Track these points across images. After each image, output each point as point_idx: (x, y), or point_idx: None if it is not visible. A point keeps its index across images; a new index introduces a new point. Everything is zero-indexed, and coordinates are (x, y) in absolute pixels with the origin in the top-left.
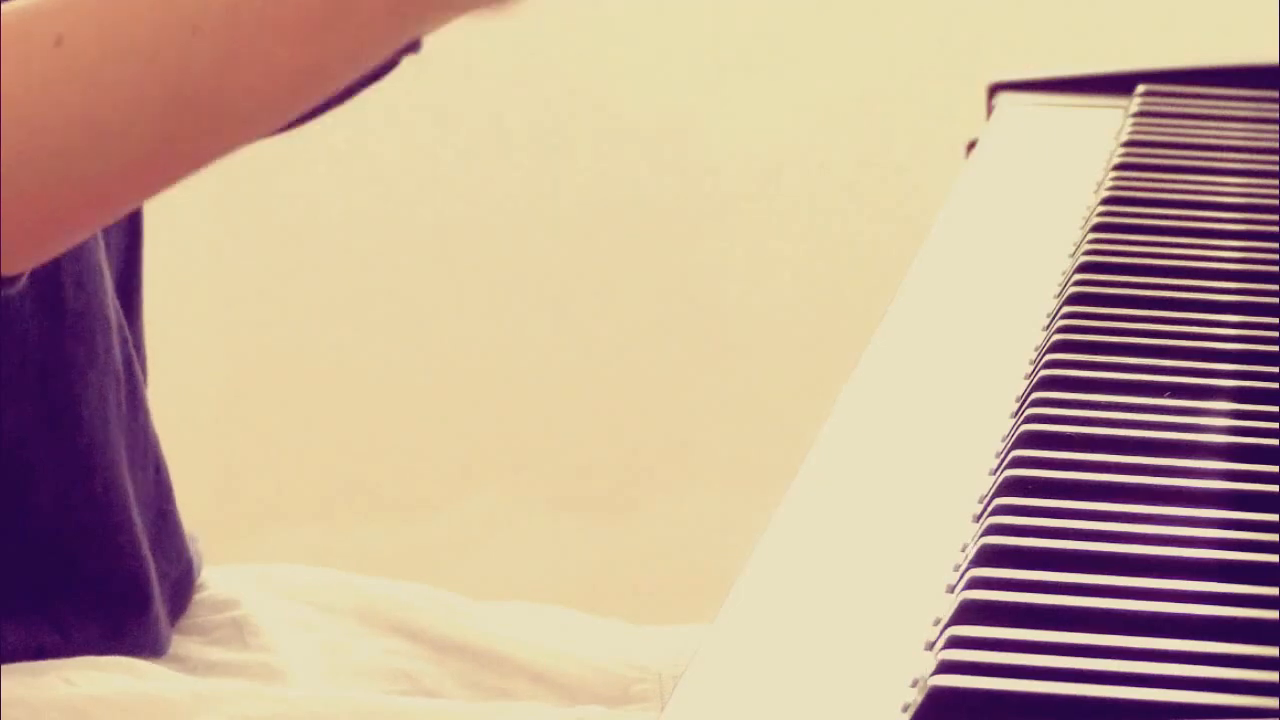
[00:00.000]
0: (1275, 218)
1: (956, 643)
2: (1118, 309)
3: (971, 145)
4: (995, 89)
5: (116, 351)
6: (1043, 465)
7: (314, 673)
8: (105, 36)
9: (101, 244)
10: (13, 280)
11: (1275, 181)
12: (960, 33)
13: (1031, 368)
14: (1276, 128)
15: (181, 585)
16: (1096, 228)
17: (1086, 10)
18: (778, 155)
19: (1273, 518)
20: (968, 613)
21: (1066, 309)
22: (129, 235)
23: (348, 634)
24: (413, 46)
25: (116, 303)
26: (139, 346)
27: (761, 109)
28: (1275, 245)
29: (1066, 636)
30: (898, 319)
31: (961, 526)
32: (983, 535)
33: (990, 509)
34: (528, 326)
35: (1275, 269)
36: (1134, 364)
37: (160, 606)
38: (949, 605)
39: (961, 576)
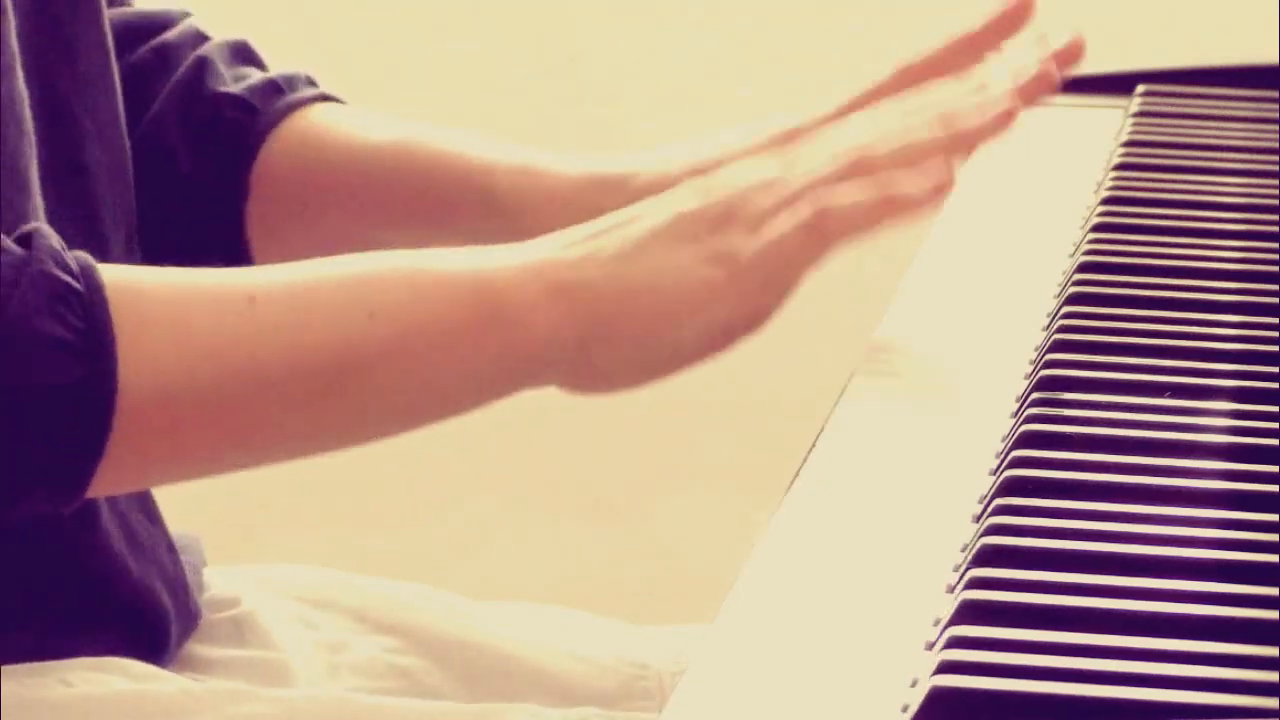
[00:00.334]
0: (1275, 218)
1: (956, 643)
2: (1118, 309)
3: None
4: None
5: None
6: (1043, 465)
7: (314, 671)
8: (294, 304)
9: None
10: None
11: (1275, 181)
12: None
13: (1031, 368)
14: (1276, 128)
15: (190, 617)
16: (1096, 228)
17: (1086, 10)
18: None
19: (1272, 518)
20: (968, 613)
21: (1066, 309)
22: (129, 237)
23: (348, 633)
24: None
25: None
26: None
27: (761, 109)
28: (1275, 245)
29: (1066, 636)
30: (898, 319)
31: (961, 526)
32: (983, 535)
33: (990, 509)
34: None
35: (1275, 269)
36: (1134, 364)
37: (174, 643)
38: (949, 605)
39: (961, 576)
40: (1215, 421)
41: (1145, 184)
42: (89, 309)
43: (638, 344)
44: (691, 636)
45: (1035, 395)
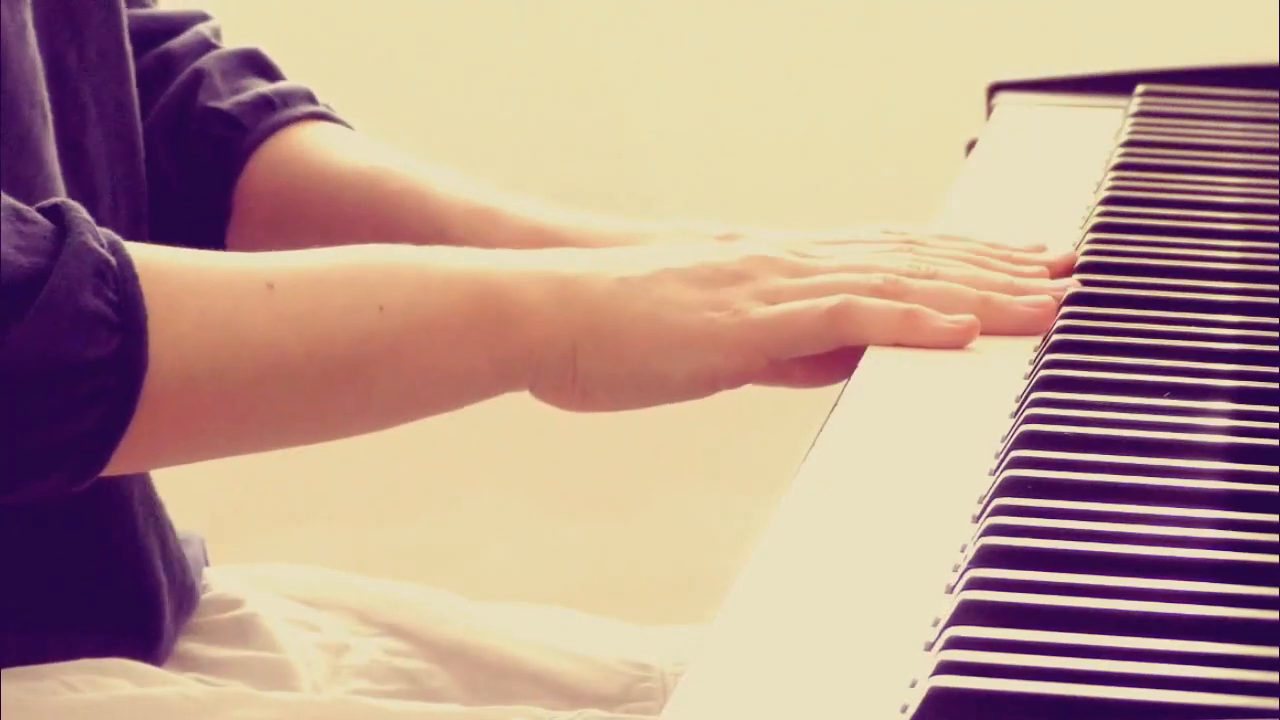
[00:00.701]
0: (1275, 218)
1: (956, 643)
2: (1117, 309)
3: (971, 145)
4: (995, 89)
5: None
6: (1042, 465)
7: (315, 672)
8: (309, 292)
9: None
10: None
11: (1275, 181)
12: (960, 33)
13: (1031, 368)
14: (1276, 128)
15: (187, 596)
16: (1096, 228)
17: (1086, 10)
18: (778, 154)
19: (1271, 518)
20: (967, 613)
21: (1066, 309)
22: (134, 222)
23: (349, 634)
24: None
25: None
26: None
27: (761, 109)
28: (1275, 245)
29: (1066, 637)
30: None
31: (961, 526)
32: (982, 535)
33: (990, 509)
34: None
35: (1275, 269)
36: (1133, 364)
37: (169, 621)
38: (949, 606)
39: (961, 577)
40: (1214, 422)
41: (1145, 184)
42: (122, 284)
43: (626, 365)
44: (691, 636)
45: (1035, 395)
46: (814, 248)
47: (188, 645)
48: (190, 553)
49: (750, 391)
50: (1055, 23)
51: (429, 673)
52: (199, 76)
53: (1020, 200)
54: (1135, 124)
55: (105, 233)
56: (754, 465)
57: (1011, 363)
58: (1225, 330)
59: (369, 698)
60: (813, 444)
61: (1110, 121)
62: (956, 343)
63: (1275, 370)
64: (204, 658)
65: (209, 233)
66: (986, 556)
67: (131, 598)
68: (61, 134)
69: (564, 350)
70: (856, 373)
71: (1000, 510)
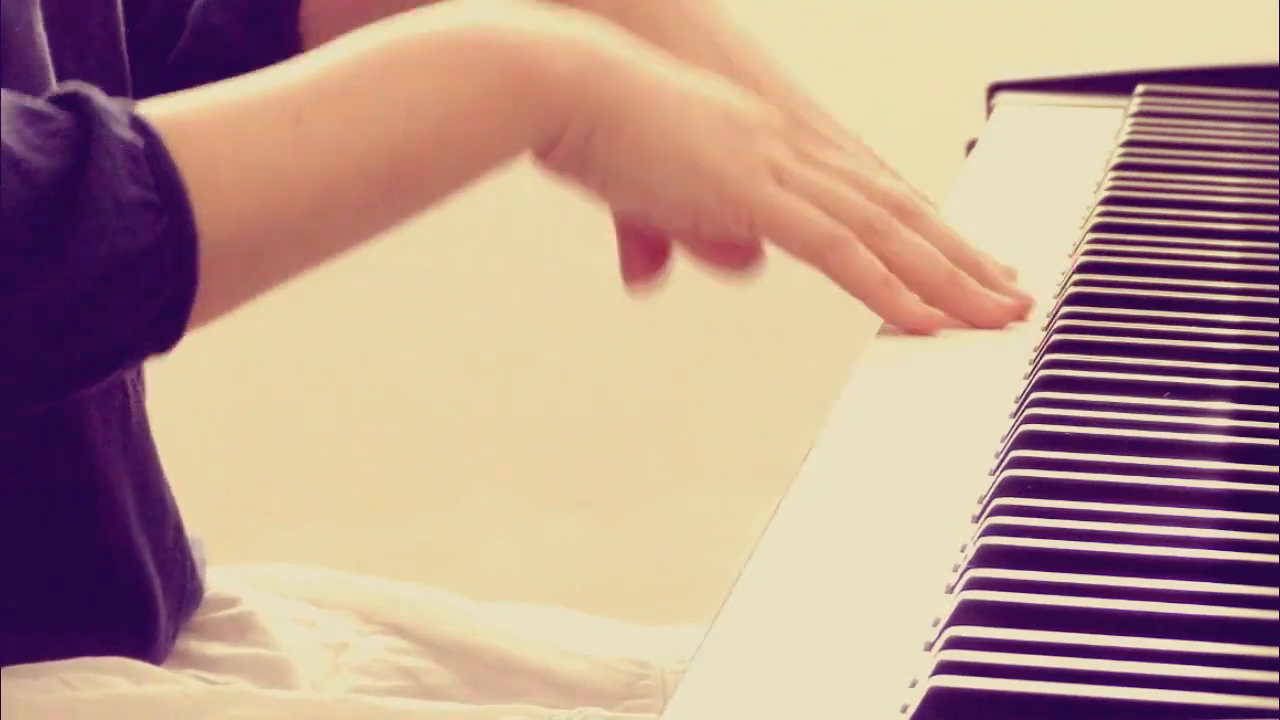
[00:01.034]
0: (1275, 218)
1: (956, 643)
2: (1117, 309)
3: (971, 145)
4: (995, 89)
5: None
6: (1042, 465)
7: (315, 671)
8: (339, 113)
9: None
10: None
11: (1275, 181)
12: (960, 33)
13: (1031, 368)
14: (1276, 128)
15: (185, 595)
16: (1096, 228)
17: (1086, 10)
18: None
19: (1272, 518)
20: (967, 613)
21: (1066, 309)
22: None
23: (349, 633)
24: None
25: None
26: None
27: None
28: (1275, 245)
29: (1066, 637)
30: None
31: (961, 526)
32: (982, 535)
33: (990, 509)
34: (528, 326)
35: (1275, 269)
36: (1133, 364)
37: (165, 619)
38: (949, 605)
39: (961, 577)
40: (1214, 422)
41: (1145, 184)
42: (156, 162)
43: (632, 160)
44: (692, 636)
45: (1035, 395)
46: (820, 144)
47: (186, 643)
48: (194, 553)
49: (750, 391)
50: (1055, 23)
51: (429, 670)
52: None
53: (1020, 200)
54: (1135, 124)
55: (125, 107)
56: (754, 465)
57: (1011, 363)
58: (1225, 330)
59: (369, 695)
60: (813, 444)
61: (1110, 121)
62: (919, 328)
63: (1275, 370)
64: (202, 656)
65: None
66: (986, 556)
67: (126, 598)
68: None
69: (583, 126)
70: (856, 373)
71: (1000, 510)
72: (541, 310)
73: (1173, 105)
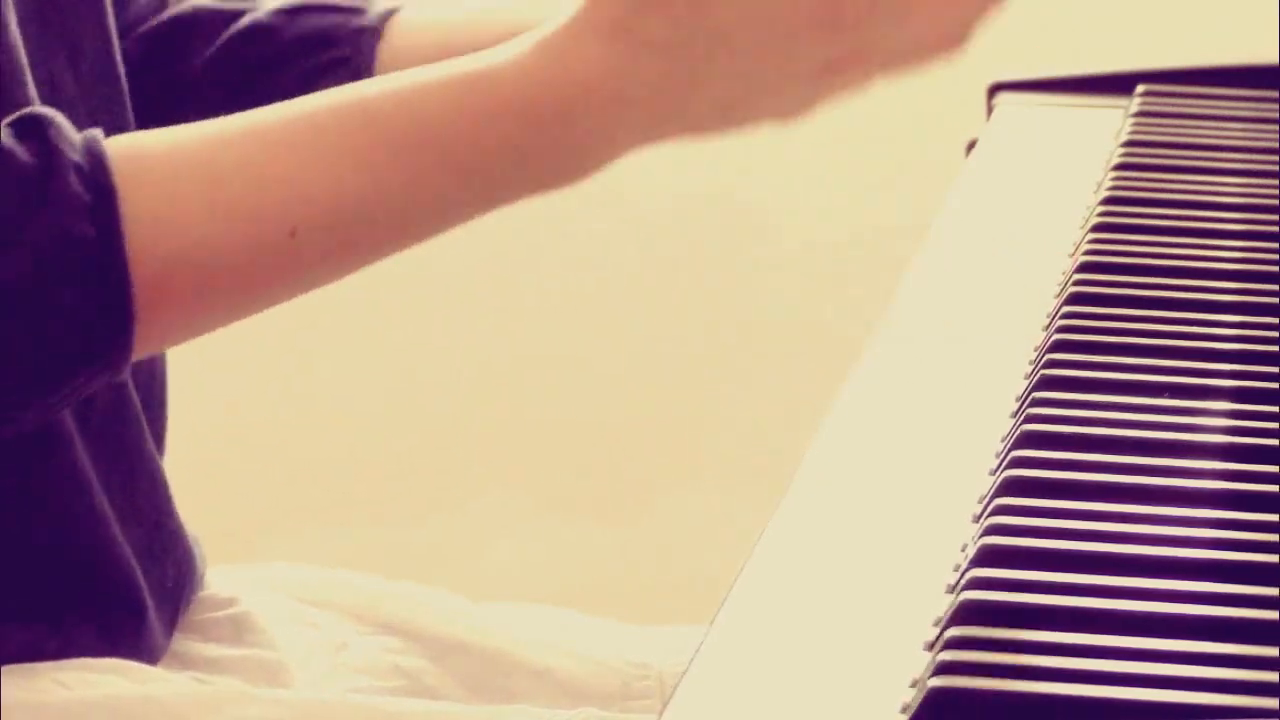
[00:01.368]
0: (1275, 218)
1: (956, 643)
2: (1118, 309)
3: (971, 145)
4: (995, 89)
5: None
6: (1042, 465)
7: (313, 670)
8: (330, 219)
9: None
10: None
11: (1275, 181)
12: None
13: (1031, 368)
14: (1276, 128)
15: (178, 594)
16: (1096, 228)
17: (1086, 10)
18: (777, 154)
19: (1272, 518)
20: (967, 613)
21: (1066, 309)
22: None
23: (348, 633)
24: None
25: None
26: None
27: None
28: (1275, 245)
29: (1066, 637)
30: (898, 318)
31: (961, 526)
32: (982, 535)
33: (990, 509)
34: (528, 328)
35: (1275, 269)
36: (1133, 364)
37: (154, 616)
38: (949, 605)
39: (961, 576)
40: (1214, 421)
41: (1145, 184)
42: (95, 175)
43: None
44: (691, 636)
45: (1035, 395)
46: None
47: (184, 644)
48: (190, 551)
49: (750, 392)
50: (1055, 23)
51: (428, 670)
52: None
53: (1020, 200)
54: (1135, 124)
55: (82, 141)
56: (754, 466)
57: (1011, 363)
58: (1225, 330)
59: (367, 695)
60: (813, 444)
61: (1110, 121)
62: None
63: (1275, 370)
64: (200, 656)
65: None
66: (987, 556)
67: (113, 598)
68: None
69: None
70: (856, 373)
71: (1000, 510)
72: (542, 313)
73: (1173, 105)
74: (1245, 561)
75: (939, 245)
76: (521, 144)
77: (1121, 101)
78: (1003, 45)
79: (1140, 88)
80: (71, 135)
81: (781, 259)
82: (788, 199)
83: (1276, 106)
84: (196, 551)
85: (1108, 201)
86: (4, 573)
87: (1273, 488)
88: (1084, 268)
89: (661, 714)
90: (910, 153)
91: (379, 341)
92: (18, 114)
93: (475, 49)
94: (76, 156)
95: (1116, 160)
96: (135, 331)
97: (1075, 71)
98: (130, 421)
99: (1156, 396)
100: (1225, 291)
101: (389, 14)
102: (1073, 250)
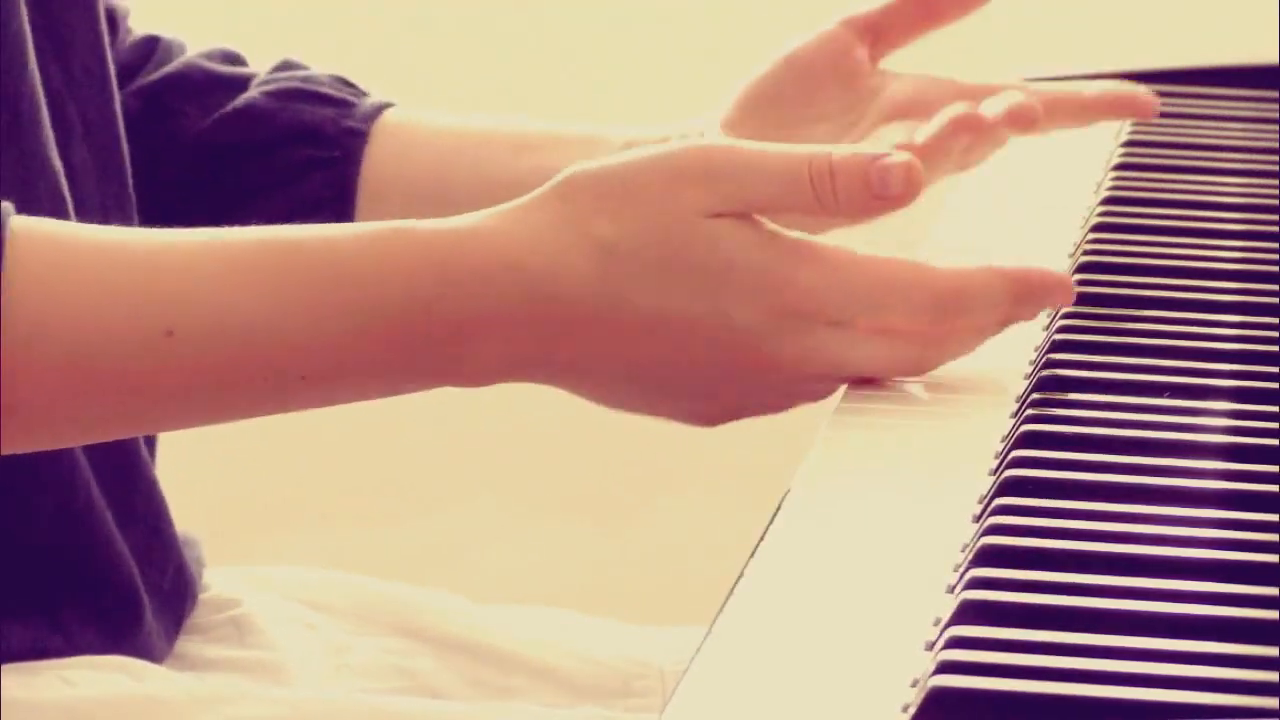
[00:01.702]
0: (1275, 218)
1: (956, 643)
2: (1118, 309)
3: None
4: None
5: None
6: (1043, 465)
7: (314, 671)
8: (212, 330)
9: None
10: None
11: (1275, 181)
12: (960, 33)
13: (1031, 368)
14: (1276, 128)
15: (175, 597)
16: (1096, 228)
17: (1087, 10)
18: None
19: (1272, 518)
20: (968, 613)
21: (1067, 309)
22: None
23: (348, 633)
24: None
25: None
26: None
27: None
28: (1275, 245)
29: (1066, 636)
30: None
31: (961, 526)
32: (983, 535)
33: (990, 509)
34: None
35: (1275, 269)
36: (1133, 364)
37: (152, 619)
38: (949, 605)
39: (961, 576)
40: (1214, 421)
41: (1145, 184)
42: None
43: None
44: (692, 636)
45: (1035, 395)
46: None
47: (185, 645)
48: (189, 554)
49: None
50: (1055, 23)
51: (429, 671)
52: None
53: (1020, 200)
54: (1135, 124)
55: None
56: (754, 468)
57: (1011, 363)
58: (1225, 330)
59: (368, 695)
60: (813, 445)
61: (1110, 121)
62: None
63: (1275, 370)
64: (201, 658)
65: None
66: (987, 556)
67: (112, 597)
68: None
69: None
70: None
71: (1000, 510)
72: None
73: (1173, 105)
74: (1245, 561)
75: (940, 245)
76: (430, 301)
77: None
78: (1003, 45)
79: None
80: None
81: None
82: None
83: (1276, 106)
84: (192, 555)
85: (1108, 201)
86: (3, 570)
87: (1273, 488)
88: (1084, 268)
89: (661, 714)
90: None
91: None
92: None
93: (468, 164)
94: None
95: (1116, 160)
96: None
97: (1075, 71)
98: None
99: (1156, 396)
100: (1225, 291)
101: (378, 112)
102: (1073, 250)
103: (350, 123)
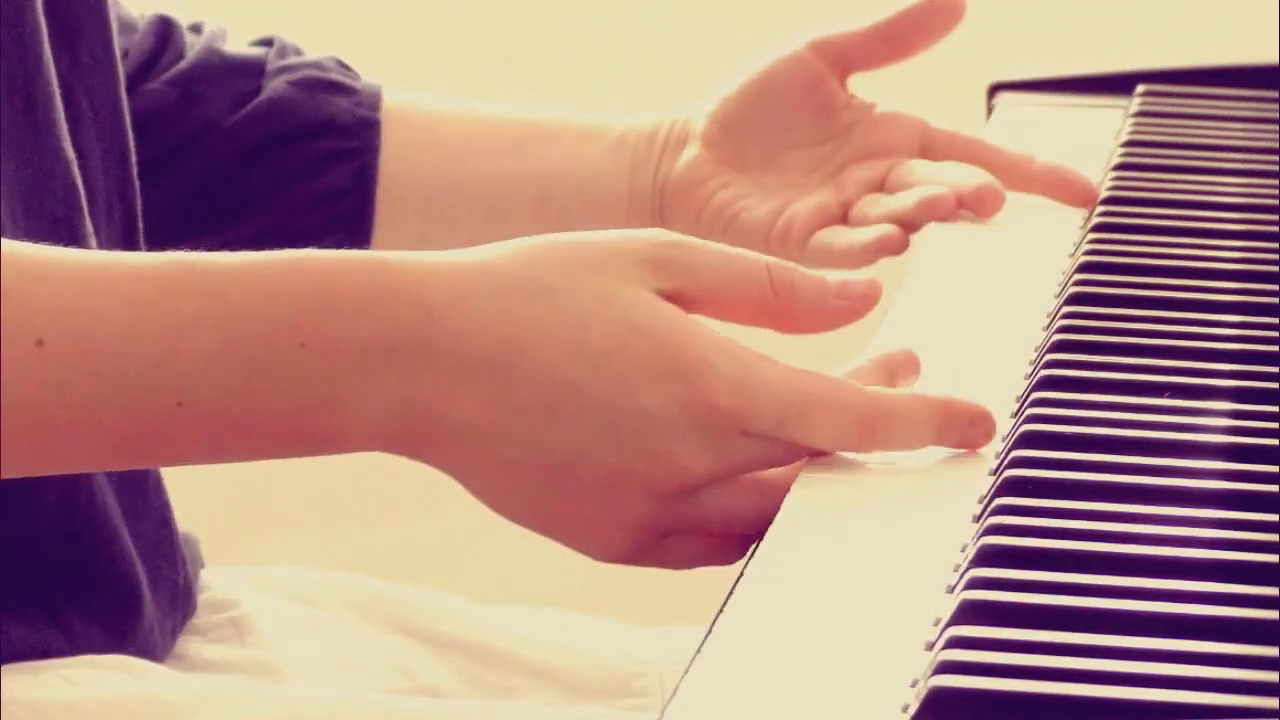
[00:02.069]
0: (1275, 218)
1: (956, 643)
2: (1118, 309)
3: None
4: (995, 89)
5: None
6: (1043, 465)
7: (314, 672)
8: (83, 340)
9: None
10: None
11: (1275, 181)
12: (960, 33)
13: (1031, 368)
14: (1276, 128)
15: (179, 596)
16: (1096, 228)
17: (1086, 10)
18: None
19: (1272, 518)
20: (968, 613)
21: (1066, 309)
22: (125, 244)
23: (348, 633)
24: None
25: None
26: None
27: None
28: (1275, 245)
29: (1066, 637)
30: (897, 319)
31: (962, 526)
32: (983, 535)
33: (990, 509)
34: None
35: (1275, 269)
36: (1134, 364)
37: (154, 618)
38: (949, 605)
39: (961, 576)
40: (1215, 421)
41: (1145, 184)
42: None
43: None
44: (692, 636)
45: (1035, 395)
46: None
47: (185, 645)
48: (189, 553)
49: None
50: (1055, 23)
51: (429, 670)
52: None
53: (1020, 200)
54: (1135, 124)
55: None
56: None
57: (1011, 363)
58: (1225, 330)
59: (368, 695)
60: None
61: (1110, 121)
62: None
63: (1275, 370)
64: (201, 658)
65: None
66: (987, 556)
67: (114, 595)
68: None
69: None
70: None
71: (1000, 510)
72: None
73: (1173, 105)
74: (1245, 561)
75: (939, 245)
76: (300, 320)
77: (1121, 101)
78: (1003, 45)
79: (1140, 88)
80: None
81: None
82: None
83: (1276, 106)
84: (192, 555)
85: (1108, 201)
86: (5, 566)
87: (1273, 488)
88: (1084, 268)
89: (662, 714)
90: None
91: None
92: None
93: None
94: None
95: (1116, 160)
96: None
97: (1075, 71)
98: None
99: (1157, 396)
100: (1225, 291)
101: (378, 97)
102: (1073, 250)
103: (363, 111)
